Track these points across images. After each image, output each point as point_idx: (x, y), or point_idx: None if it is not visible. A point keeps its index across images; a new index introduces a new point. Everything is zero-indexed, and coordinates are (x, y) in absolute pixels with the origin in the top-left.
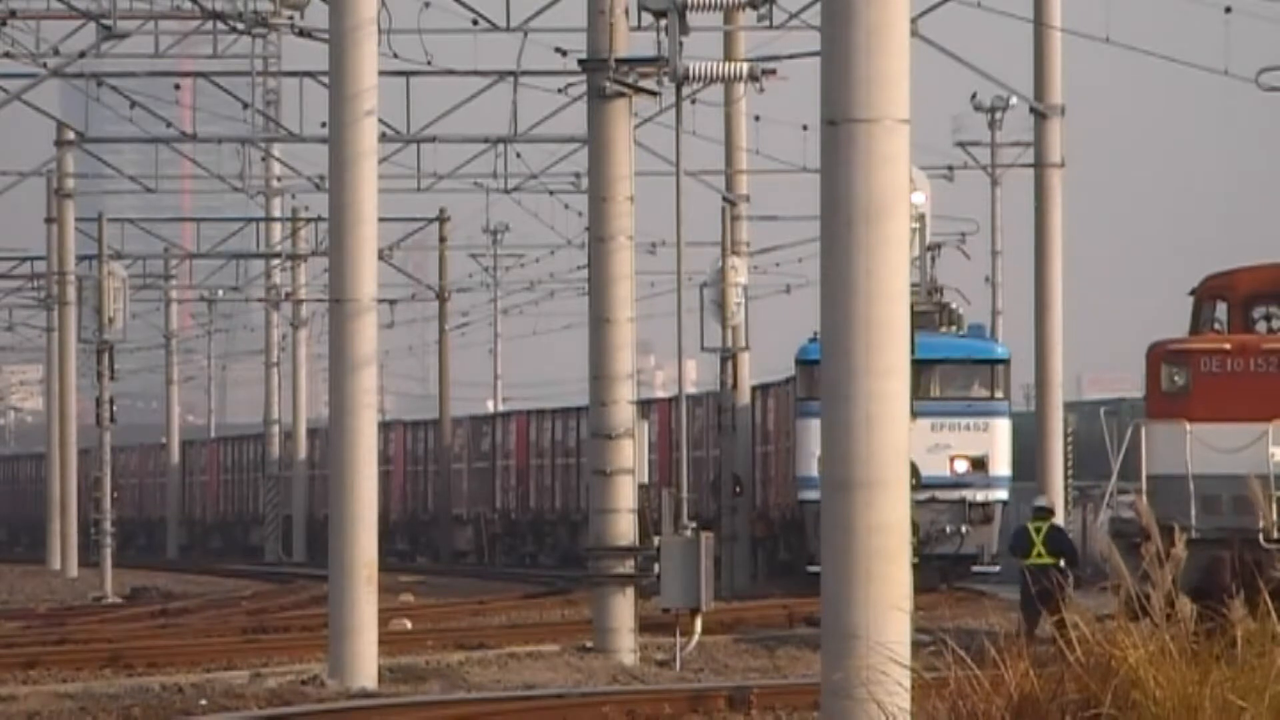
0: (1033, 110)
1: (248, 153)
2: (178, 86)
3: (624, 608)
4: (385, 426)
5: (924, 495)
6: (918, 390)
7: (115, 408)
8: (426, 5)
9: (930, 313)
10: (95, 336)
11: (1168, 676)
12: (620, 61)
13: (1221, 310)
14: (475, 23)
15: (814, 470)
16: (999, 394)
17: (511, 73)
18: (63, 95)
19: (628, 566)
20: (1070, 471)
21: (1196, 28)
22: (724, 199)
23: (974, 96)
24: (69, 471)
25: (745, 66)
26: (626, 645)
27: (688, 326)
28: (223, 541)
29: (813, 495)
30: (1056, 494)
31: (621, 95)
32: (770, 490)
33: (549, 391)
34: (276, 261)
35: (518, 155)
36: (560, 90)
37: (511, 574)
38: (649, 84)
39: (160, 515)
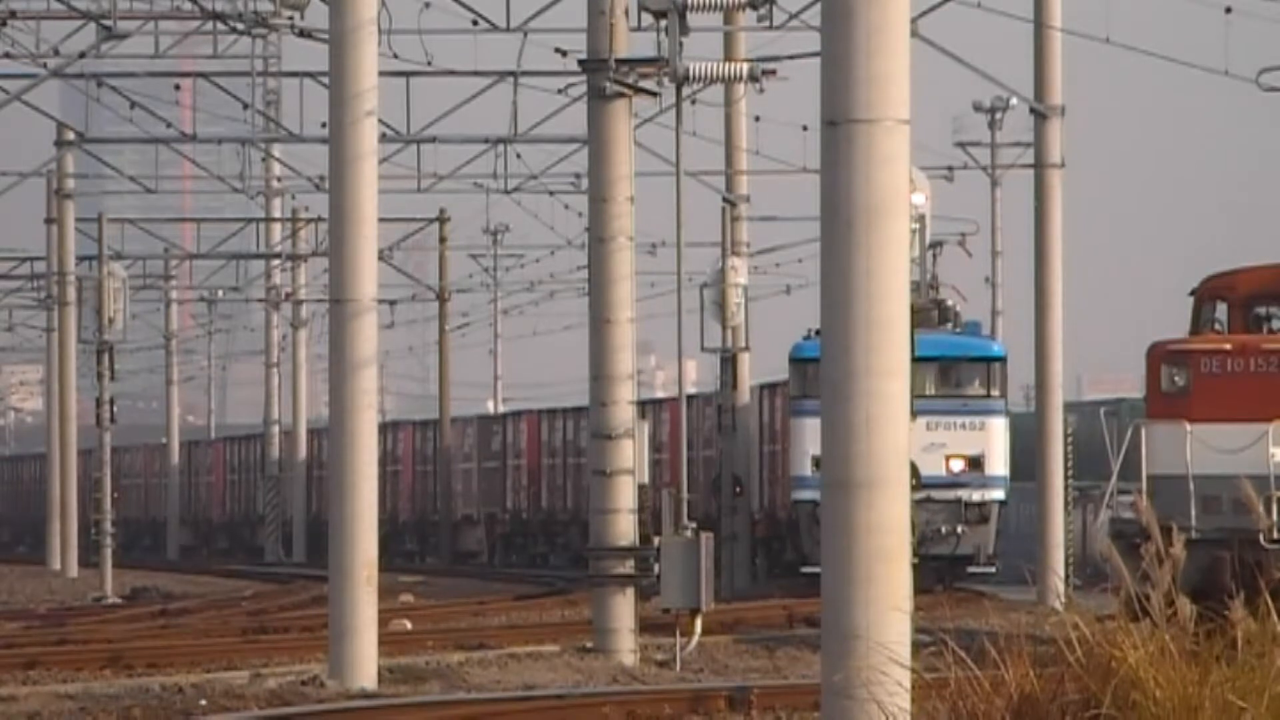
0: (1032, 111)
1: (248, 153)
2: (178, 87)
3: (624, 608)
4: (394, 426)
5: (919, 495)
6: (913, 388)
7: (115, 408)
8: (426, 5)
9: (926, 310)
10: (95, 337)
11: (1168, 677)
12: (620, 62)
13: (1222, 310)
14: (475, 23)
15: (807, 470)
16: (995, 392)
17: (511, 73)
18: (63, 95)
19: (628, 567)
20: (1070, 472)
21: (1196, 28)
22: (724, 199)
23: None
24: (69, 472)
25: (745, 67)
26: (626, 646)
27: (688, 327)
28: (228, 542)
29: (806, 495)
30: (1056, 495)
31: (621, 95)
32: (776, 490)
33: (549, 392)
34: (276, 262)
35: (518, 156)
36: (560, 91)
37: (514, 574)
38: (649, 84)
39: (165, 516)
